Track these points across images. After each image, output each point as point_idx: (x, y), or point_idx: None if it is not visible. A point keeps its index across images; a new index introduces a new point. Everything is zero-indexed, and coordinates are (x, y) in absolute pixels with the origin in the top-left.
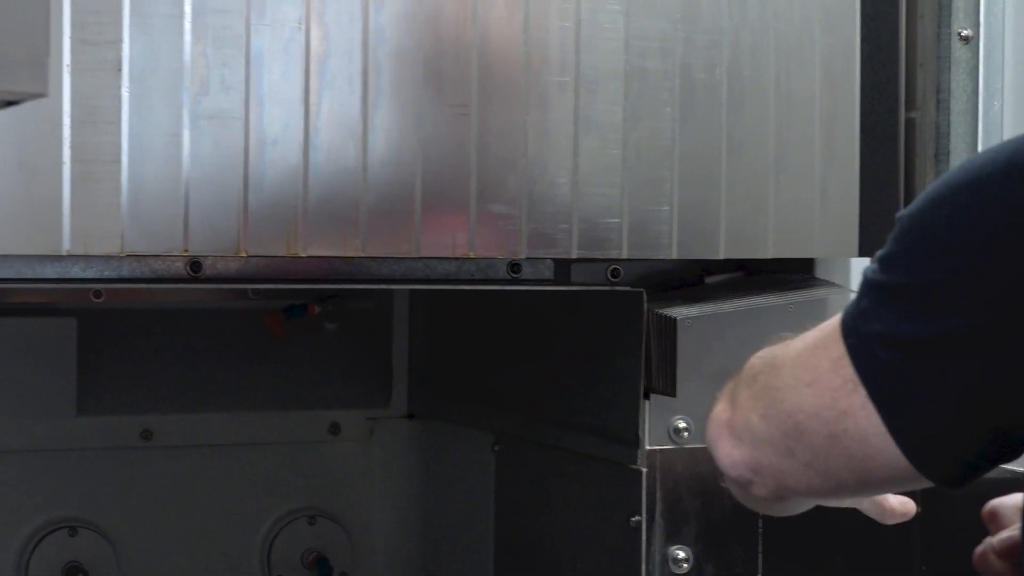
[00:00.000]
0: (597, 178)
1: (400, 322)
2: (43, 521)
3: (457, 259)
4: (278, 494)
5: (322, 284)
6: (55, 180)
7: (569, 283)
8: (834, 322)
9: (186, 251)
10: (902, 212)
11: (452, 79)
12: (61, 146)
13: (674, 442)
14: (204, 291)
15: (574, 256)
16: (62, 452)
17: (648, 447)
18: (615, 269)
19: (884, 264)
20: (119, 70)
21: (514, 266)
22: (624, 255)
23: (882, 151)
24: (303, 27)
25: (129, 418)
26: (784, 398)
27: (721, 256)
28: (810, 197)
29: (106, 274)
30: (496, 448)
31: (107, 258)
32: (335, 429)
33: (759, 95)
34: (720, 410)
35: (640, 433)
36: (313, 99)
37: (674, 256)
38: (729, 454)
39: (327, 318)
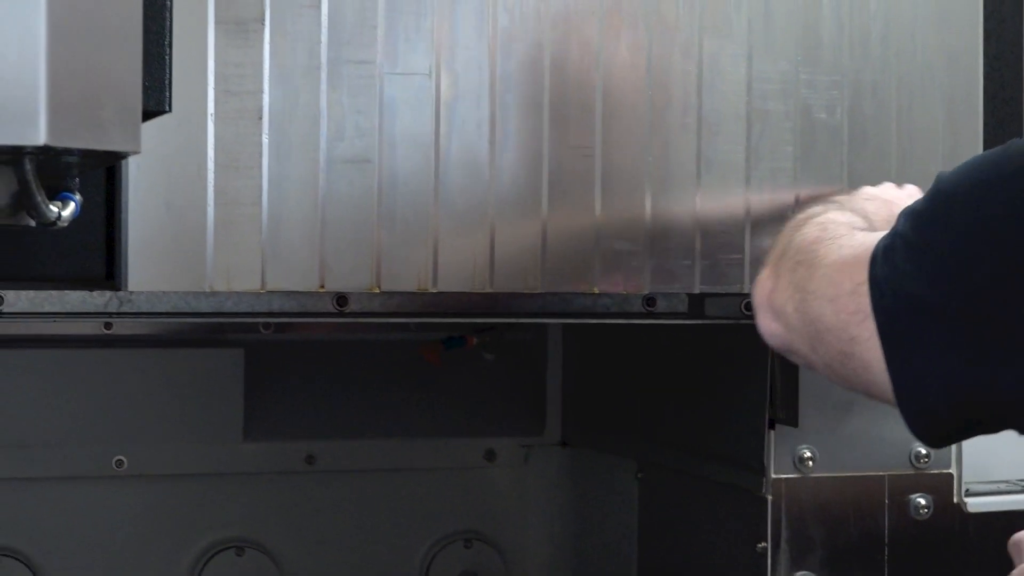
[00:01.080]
0: (720, 215)
1: (554, 353)
2: (212, 541)
3: (592, 294)
4: (436, 517)
5: (460, 318)
6: (200, 221)
7: (703, 316)
8: (868, 244)
9: (322, 287)
10: (945, 174)
11: (576, 122)
12: (206, 190)
13: (799, 471)
14: (365, 326)
15: (696, 291)
16: (230, 476)
17: (773, 475)
18: (748, 303)
19: (916, 219)
20: (260, 118)
21: (649, 300)
22: (746, 289)
23: None
24: (433, 75)
25: (293, 444)
26: (811, 303)
27: None
28: None
29: (258, 308)
30: (639, 475)
31: (259, 294)
32: (491, 455)
33: (881, 133)
34: (765, 277)
35: (766, 462)
36: (443, 143)
37: None
38: (768, 327)
39: (485, 349)
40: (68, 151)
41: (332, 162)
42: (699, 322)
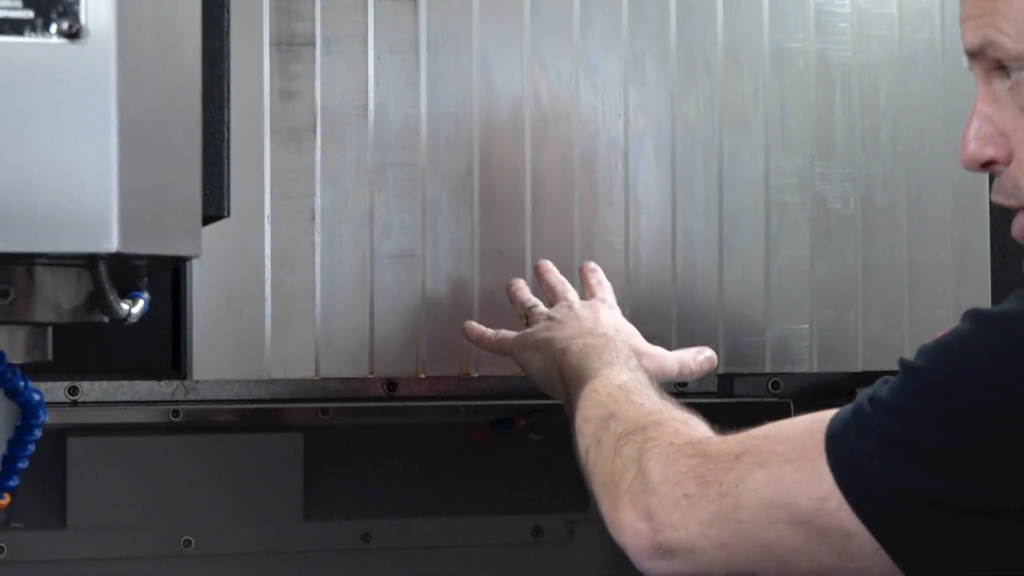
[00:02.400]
0: (741, 301)
1: None
2: None
3: None
4: None
5: (502, 400)
6: (258, 314)
7: (732, 395)
8: (800, 450)
9: (372, 373)
10: (911, 363)
11: (604, 216)
12: (263, 285)
13: None
14: (419, 409)
15: (720, 371)
16: (291, 554)
17: None
18: (775, 382)
19: (896, 413)
20: (312, 219)
21: (679, 381)
22: (767, 369)
23: (1014, 269)
24: (472, 176)
25: (351, 523)
26: (758, 532)
27: (860, 368)
28: (944, 314)
29: (314, 394)
30: None
31: (314, 380)
32: (537, 532)
33: (892, 222)
34: (632, 519)
35: None
36: (480, 239)
37: (815, 369)
38: (657, 566)
39: (532, 430)
40: (137, 256)
41: (379, 258)
42: (729, 400)
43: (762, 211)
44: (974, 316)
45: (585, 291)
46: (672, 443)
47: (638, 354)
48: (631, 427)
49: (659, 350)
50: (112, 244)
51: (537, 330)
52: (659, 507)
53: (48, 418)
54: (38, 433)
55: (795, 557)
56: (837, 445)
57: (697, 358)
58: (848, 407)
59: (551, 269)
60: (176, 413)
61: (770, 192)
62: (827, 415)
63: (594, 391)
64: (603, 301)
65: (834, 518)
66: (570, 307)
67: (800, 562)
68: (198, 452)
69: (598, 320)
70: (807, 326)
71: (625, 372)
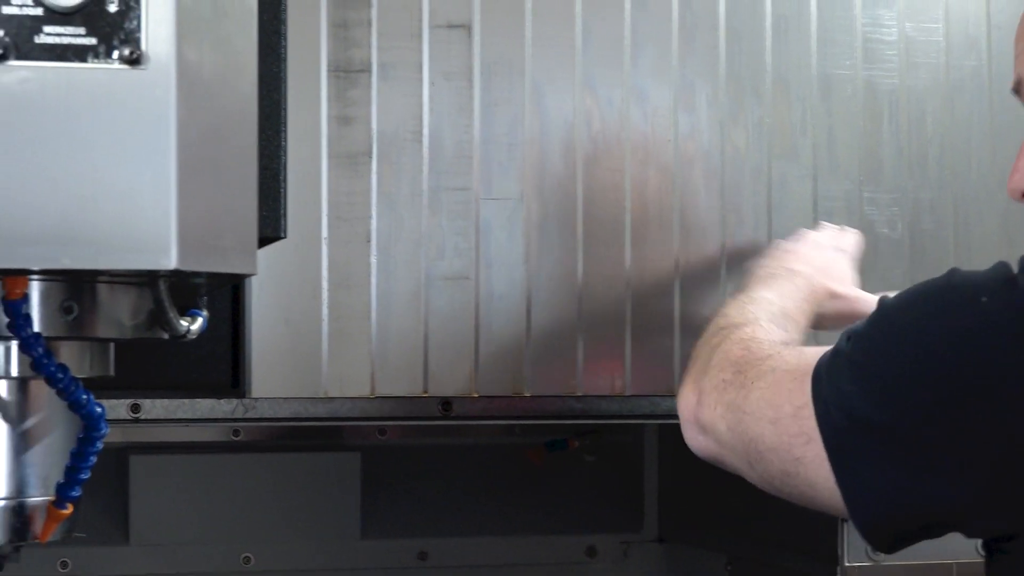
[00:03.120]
0: None
1: (650, 454)
2: None
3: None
4: None
5: (554, 420)
6: (315, 334)
7: None
8: (805, 365)
9: (426, 392)
10: (889, 300)
11: (655, 240)
12: (320, 306)
13: (871, 559)
14: (473, 429)
15: None
16: (348, 571)
17: (847, 564)
18: None
19: (861, 342)
20: (368, 241)
21: None
22: None
23: None
24: (524, 200)
25: (407, 541)
26: (749, 424)
27: None
28: None
29: (370, 413)
30: (728, 568)
31: (371, 400)
32: (592, 552)
33: (939, 246)
34: (689, 391)
35: (839, 551)
36: (533, 261)
37: None
38: (696, 440)
39: (586, 451)
40: (195, 274)
41: (433, 279)
42: None
43: None
44: (950, 273)
45: None
46: (741, 337)
47: (830, 294)
48: (730, 324)
49: (858, 293)
50: (171, 262)
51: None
52: (706, 386)
53: (111, 436)
54: (100, 445)
55: (767, 457)
56: (820, 363)
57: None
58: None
59: None
60: (236, 432)
61: (818, 216)
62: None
63: (735, 300)
64: (815, 242)
65: (804, 424)
66: (790, 245)
67: (769, 463)
68: (257, 470)
69: (799, 255)
70: None
71: (776, 296)
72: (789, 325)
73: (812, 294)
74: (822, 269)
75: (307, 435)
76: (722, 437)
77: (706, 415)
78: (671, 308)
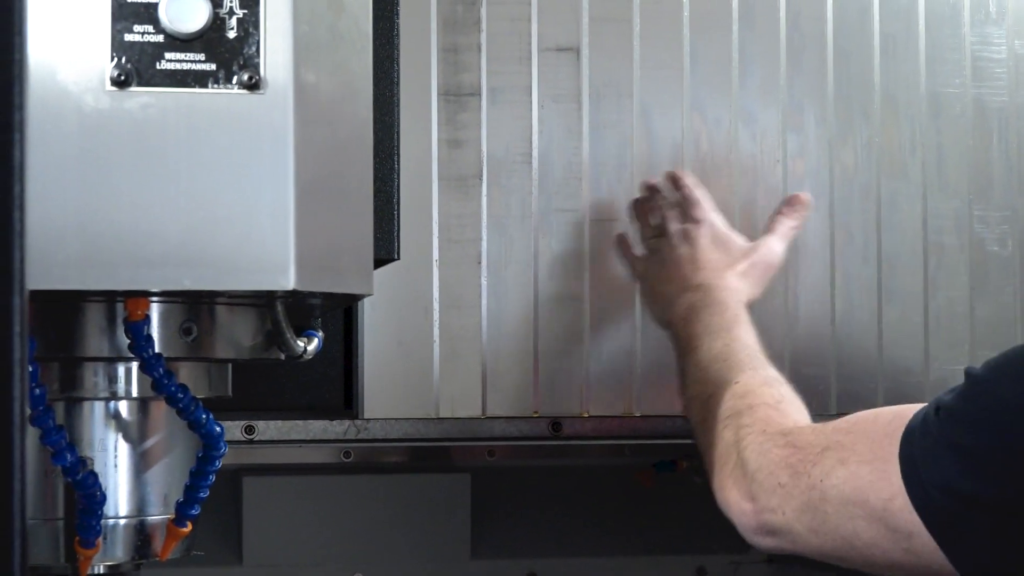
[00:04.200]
0: (900, 342)
1: None
2: None
3: None
4: None
5: (665, 440)
6: (427, 355)
7: None
8: (875, 451)
9: (536, 412)
10: (978, 371)
11: None
12: (432, 327)
13: None
14: (582, 450)
15: None
16: None
17: None
18: None
19: (954, 419)
20: (479, 263)
21: None
22: None
23: None
24: (633, 221)
25: (517, 562)
26: (837, 524)
27: None
28: None
29: (481, 434)
30: None
31: (482, 421)
32: (701, 572)
33: None
34: (739, 500)
35: None
36: (639, 283)
37: None
38: (764, 541)
39: (695, 472)
40: (312, 294)
41: (543, 300)
42: None
43: (920, 254)
44: None
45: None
46: (764, 431)
47: (743, 270)
48: (728, 411)
49: (758, 247)
50: (289, 282)
51: (646, 272)
52: (759, 492)
53: (225, 459)
54: (218, 464)
55: (870, 551)
56: (905, 448)
57: (789, 221)
58: (922, 409)
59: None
60: (347, 453)
61: (928, 235)
62: (907, 414)
63: (696, 366)
64: (698, 222)
65: (900, 517)
66: (670, 244)
67: (875, 556)
68: (369, 491)
69: (696, 261)
70: (966, 366)
71: (721, 338)
72: (764, 360)
73: (740, 305)
74: (716, 270)
75: (418, 456)
76: (802, 538)
77: (775, 520)
78: (780, 327)
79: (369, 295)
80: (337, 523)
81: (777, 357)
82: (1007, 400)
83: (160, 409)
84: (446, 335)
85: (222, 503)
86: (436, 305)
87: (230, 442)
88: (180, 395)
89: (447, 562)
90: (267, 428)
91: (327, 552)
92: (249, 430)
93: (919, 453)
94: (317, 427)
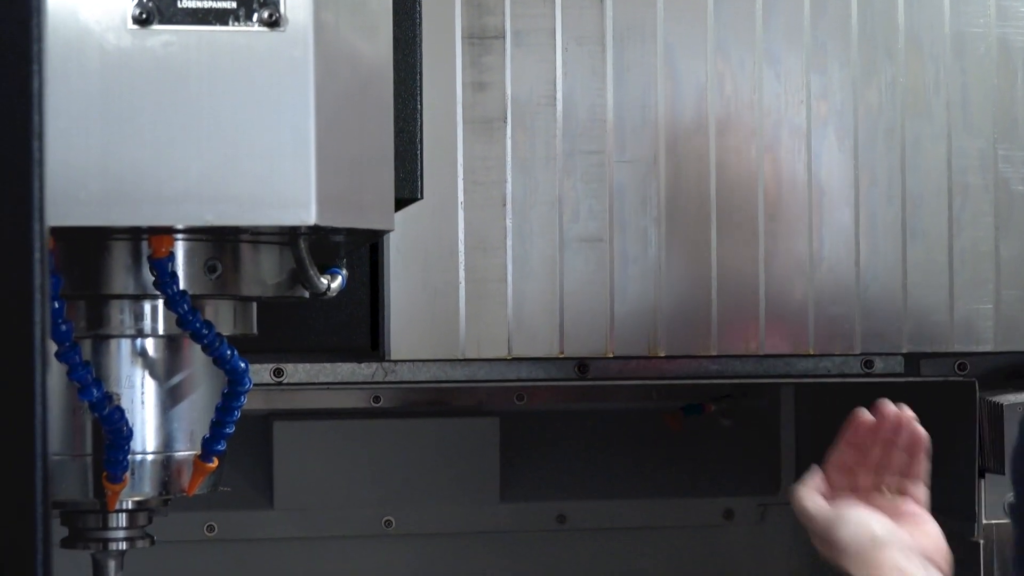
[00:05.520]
0: (925, 281)
1: (787, 417)
2: None
3: (813, 356)
4: (678, 572)
5: (690, 380)
6: (453, 297)
7: (918, 375)
8: None
9: (561, 353)
10: None
11: (787, 200)
12: (457, 269)
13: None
14: (610, 394)
15: (904, 351)
16: (488, 534)
17: (985, 521)
18: (962, 363)
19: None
20: (504, 205)
21: (867, 363)
22: (953, 349)
23: None
24: (657, 162)
25: (546, 504)
26: None
27: None
28: None
29: (508, 376)
30: None
31: (508, 362)
32: (729, 514)
33: None
34: None
35: (977, 508)
36: (665, 222)
37: (994, 349)
38: None
39: (722, 415)
40: (334, 230)
41: (568, 242)
42: (915, 380)
43: (944, 193)
44: None
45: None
46: None
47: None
48: None
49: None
50: (311, 217)
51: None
52: None
53: (255, 403)
54: (244, 400)
55: None
56: None
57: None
58: None
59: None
60: (376, 398)
61: (952, 174)
62: None
63: None
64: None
65: None
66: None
67: None
68: (398, 436)
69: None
70: (991, 306)
71: None
72: None
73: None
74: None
75: (446, 401)
76: None
77: None
78: (805, 268)
79: (390, 231)
80: (367, 467)
81: (802, 298)
82: None
83: (186, 346)
84: (472, 277)
85: (253, 448)
86: (461, 247)
87: (259, 385)
88: (205, 331)
89: (476, 505)
90: (295, 371)
91: (357, 495)
92: (277, 373)
93: None
94: (345, 370)
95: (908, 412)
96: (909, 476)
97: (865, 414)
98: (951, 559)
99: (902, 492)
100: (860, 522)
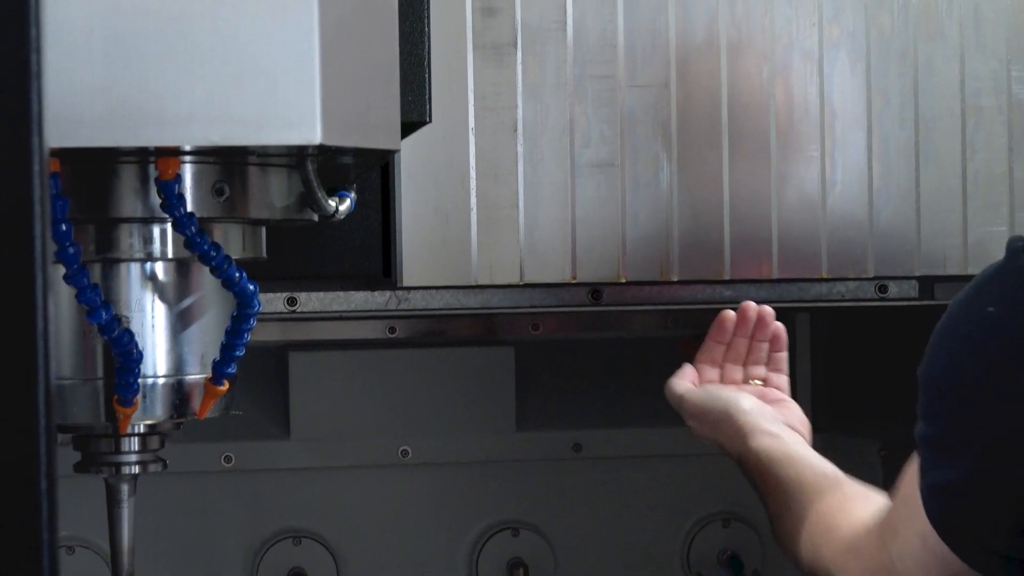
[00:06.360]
0: (938, 205)
1: (802, 344)
2: (490, 523)
3: (827, 281)
4: (695, 499)
5: (704, 305)
6: (464, 223)
7: (932, 299)
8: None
9: (574, 278)
10: (922, 372)
11: (803, 127)
12: (469, 195)
13: None
14: (625, 322)
15: (917, 275)
16: (504, 463)
17: None
18: None
19: (920, 418)
20: (515, 131)
21: (882, 287)
22: (967, 272)
23: None
24: (669, 87)
25: (562, 433)
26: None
27: None
28: None
29: (521, 303)
30: (882, 453)
31: (521, 290)
32: None
33: None
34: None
35: None
36: (677, 147)
37: None
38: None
39: None
40: (341, 151)
41: (580, 167)
42: (931, 304)
43: (958, 116)
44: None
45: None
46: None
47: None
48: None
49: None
50: (316, 136)
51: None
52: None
53: (270, 334)
54: (253, 322)
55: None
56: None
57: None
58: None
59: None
60: (392, 329)
61: (966, 97)
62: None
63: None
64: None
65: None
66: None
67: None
68: (414, 366)
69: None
70: (1005, 228)
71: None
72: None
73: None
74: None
75: (461, 330)
76: None
77: None
78: (818, 192)
79: (396, 151)
80: (383, 397)
81: (814, 222)
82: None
83: (195, 270)
84: (483, 203)
85: (269, 379)
86: (473, 173)
87: (273, 315)
88: (213, 253)
89: (492, 434)
90: (309, 300)
91: (373, 426)
92: (291, 302)
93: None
94: (359, 298)
95: (768, 309)
96: (772, 368)
97: (730, 313)
98: (811, 428)
99: (766, 383)
100: (727, 396)
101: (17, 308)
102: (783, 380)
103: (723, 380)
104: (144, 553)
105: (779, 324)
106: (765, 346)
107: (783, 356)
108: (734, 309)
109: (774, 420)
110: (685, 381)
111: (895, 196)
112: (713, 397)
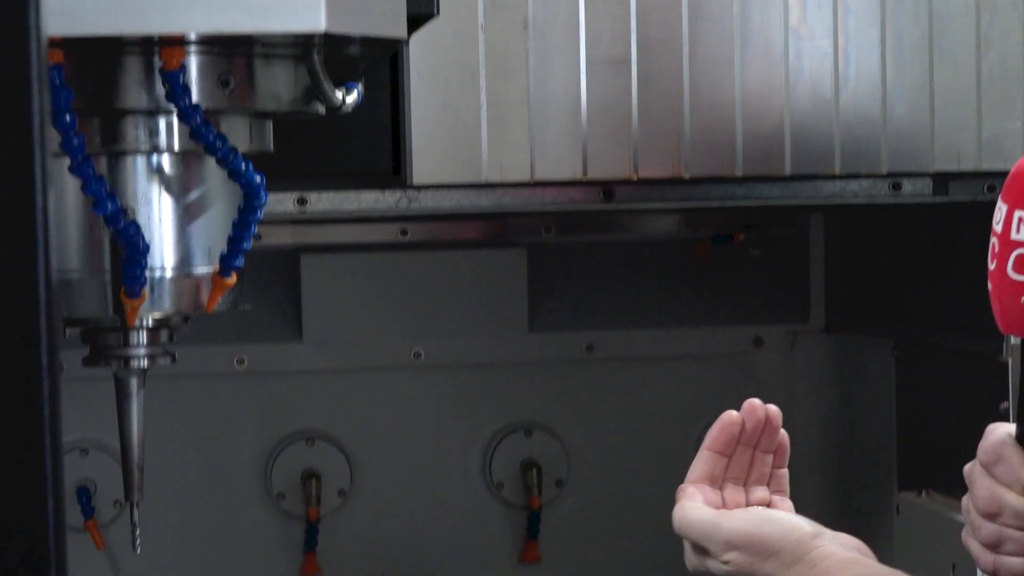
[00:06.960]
0: (952, 100)
1: (816, 245)
2: (502, 424)
3: (840, 179)
4: (708, 400)
5: (715, 202)
6: (474, 121)
7: (947, 196)
8: None
9: (585, 175)
10: None
11: (816, 21)
12: (478, 93)
13: None
14: (639, 224)
15: (932, 171)
16: (517, 365)
17: (1013, 342)
18: (991, 184)
19: None
20: (525, 27)
21: (895, 184)
22: (982, 168)
23: None
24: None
25: (574, 334)
26: None
27: None
28: None
29: (531, 202)
30: (894, 352)
31: (532, 190)
32: (758, 342)
33: None
34: None
35: None
36: (692, 41)
37: None
38: None
39: (751, 244)
40: (347, 40)
41: (591, 64)
42: (944, 201)
43: (972, 10)
44: None
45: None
46: None
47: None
48: None
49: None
50: (320, 23)
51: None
52: None
53: (282, 237)
54: (260, 214)
55: None
56: None
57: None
58: None
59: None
60: (404, 231)
61: None
62: None
63: None
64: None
65: None
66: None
67: None
68: (425, 268)
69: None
70: (1019, 123)
71: None
72: None
73: None
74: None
75: (473, 232)
76: None
77: None
78: (831, 88)
79: (402, 38)
80: (395, 299)
81: (827, 119)
82: None
83: (202, 163)
84: (493, 100)
85: (281, 282)
86: (482, 71)
87: (283, 215)
88: (219, 144)
89: (505, 336)
90: (319, 199)
91: (386, 328)
92: (301, 201)
93: None
94: (369, 198)
95: (775, 409)
96: (775, 489)
97: (734, 414)
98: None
99: (770, 507)
100: (787, 518)
101: (17, 200)
102: (788, 505)
103: (725, 504)
104: (159, 455)
105: (784, 432)
106: (769, 460)
107: (785, 474)
108: (747, 204)
109: (842, 541)
110: (703, 505)
111: (909, 92)
112: (768, 520)
